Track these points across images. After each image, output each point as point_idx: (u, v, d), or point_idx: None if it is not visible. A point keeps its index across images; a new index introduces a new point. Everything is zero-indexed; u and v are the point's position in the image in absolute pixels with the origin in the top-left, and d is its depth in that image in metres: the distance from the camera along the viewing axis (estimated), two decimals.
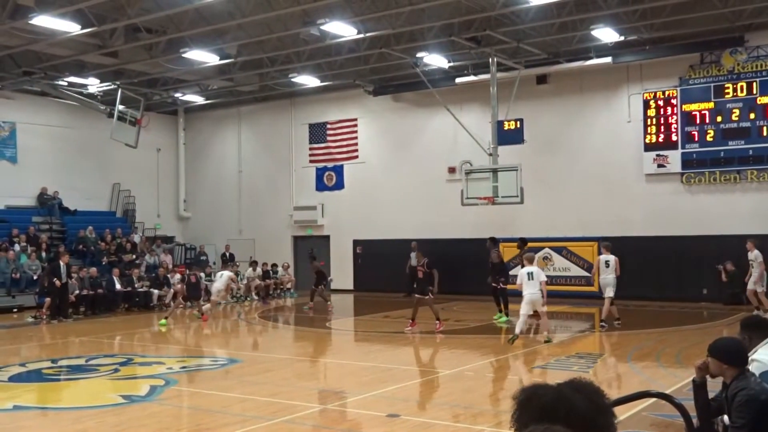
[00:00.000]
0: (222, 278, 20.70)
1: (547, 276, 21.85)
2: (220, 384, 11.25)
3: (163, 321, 19.17)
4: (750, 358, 5.09)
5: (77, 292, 21.10)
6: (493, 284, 18.43)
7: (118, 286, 22.35)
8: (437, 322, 16.61)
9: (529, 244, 20.85)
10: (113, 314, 21.55)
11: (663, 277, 21.62)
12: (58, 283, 19.88)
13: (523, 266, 15.26)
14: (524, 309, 14.61)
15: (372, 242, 26.60)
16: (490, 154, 21.32)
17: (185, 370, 12.78)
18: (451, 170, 24.96)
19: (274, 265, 27.05)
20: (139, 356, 14.64)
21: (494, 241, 19.90)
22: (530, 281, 14.58)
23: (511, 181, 20.05)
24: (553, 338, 15.06)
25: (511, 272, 18.38)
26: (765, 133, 20.51)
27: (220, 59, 22.10)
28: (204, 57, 21.69)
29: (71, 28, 18.56)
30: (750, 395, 4.60)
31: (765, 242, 18.19)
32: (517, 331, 14.47)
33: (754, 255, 17.85)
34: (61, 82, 24.60)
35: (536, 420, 2.10)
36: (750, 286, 17.86)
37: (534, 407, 2.12)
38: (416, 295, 16.96)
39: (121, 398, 10.28)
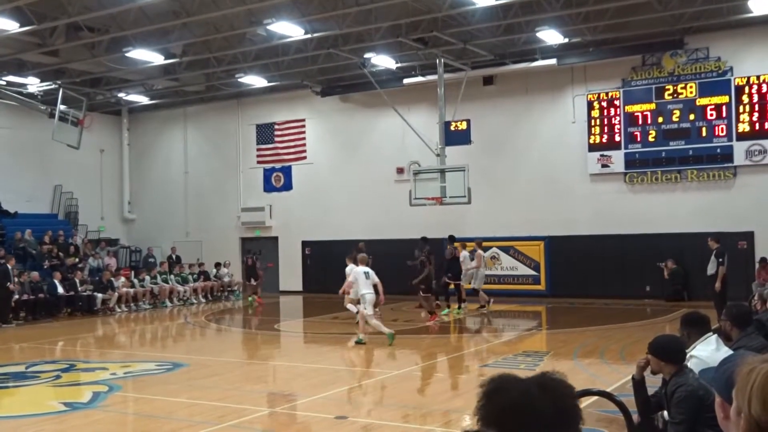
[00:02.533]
0: None
1: (495, 275, 22.26)
2: (165, 389, 11.06)
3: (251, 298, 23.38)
4: (688, 355, 5.21)
5: (17, 296, 20.54)
6: (446, 280, 19.17)
7: (60, 290, 21.83)
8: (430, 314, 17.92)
9: (484, 244, 21.28)
10: (55, 319, 21.04)
11: (607, 274, 22.03)
12: (12, 287, 19.59)
13: (358, 265, 15.16)
14: (369, 310, 14.60)
15: (321, 243, 26.51)
16: (438, 155, 21.43)
17: (130, 375, 12.53)
18: (400, 171, 25.03)
19: (218, 264, 26.89)
20: (82, 362, 14.30)
21: (451, 239, 20.36)
22: (367, 281, 14.64)
23: (459, 181, 20.18)
24: (365, 340, 14.87)
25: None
26: (704, 134, 21.07)
27: (165, 59, 21.78)
28: (148, 56, 21.33)
29: (9, 26, 18.08)
30: (688, 391, 4.71)
31: (704, 240, 18.59)
32: (387, 331, 14.54)
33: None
34: None
35: (497, 417, 2.05)
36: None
37: (496, 403, 2.05)
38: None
39: (62, 405, 10.03)
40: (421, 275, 18.68)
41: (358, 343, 14.66)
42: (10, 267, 20.22)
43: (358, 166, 26.23)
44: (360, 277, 14.70)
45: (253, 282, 24.39)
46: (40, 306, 21.22)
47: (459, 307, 19.62)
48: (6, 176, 26.46)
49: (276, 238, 28.06)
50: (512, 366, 12.16)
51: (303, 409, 9.95)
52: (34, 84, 24.31)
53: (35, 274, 21.82)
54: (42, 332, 18.52)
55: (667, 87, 21.60)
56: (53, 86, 23.96)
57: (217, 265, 26.94)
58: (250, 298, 24.00)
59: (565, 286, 22.67)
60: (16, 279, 20.79)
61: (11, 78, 23.57)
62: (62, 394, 11.07)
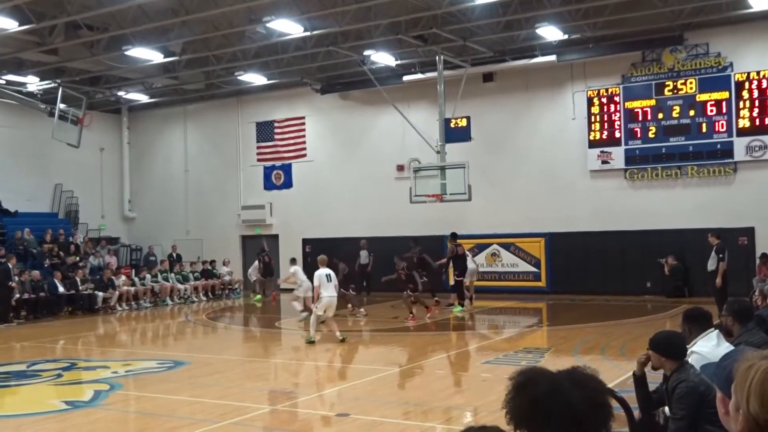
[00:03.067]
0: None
1: (496, 272, 22.23)
2: (166, 387, 11.07)
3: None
4: (689, 350, 5.21)
5: (17, 295, 20.55)
6: (456, 279, 19.57)
7: (61, 289, 21.83)
8: (410, 315, 17.74)
9: (479, 241, 21.27)
10: (56, 318, 21.04)
11: (607, 271, 22.02)
12: (13, 285, 19.78)
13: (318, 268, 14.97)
14: (321, 311, 14.60)
15: (321, 241, 26.50)
16: (438, 152, 21.43)
17: (131, 373, 12.54)
18: (400, 168, 25.02)
19: (213, 261, 26.90)
20: (83, 360, 14.32)
21: (453, 237, 20.41)
22: (329, 283, 14.60)
23: (459, 178, 20.17)
24: (316, 339, 15.03)
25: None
26: (704, 130, 21.04)
27: (164, 57, 21.75)
28: (147, 55, 21.30)
29: (8, 25, 18.06)
30: (689, 387, 4.71)
31: (704, 236, 18.56)
32: (312, 331, 14.71)
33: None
34: None
35: (527, 412, 2.00)
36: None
37: (527, 395, 2.02)
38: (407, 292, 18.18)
39: (63, 404, 10.05)
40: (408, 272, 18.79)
41: (309, 342, 14.77)
42: (11, 266, 20.32)
43: (358, 164, 26.21)
44: (323, 280, 14.56)
45: (265, 279, 24.46)
46: (41, 305, 21.22)
47: (461, 305, 19.56)
48: (6, 175, 26.46)
49: (276, 236, 28.04)
50: (513, 363, 12.16)
51: (304, 406, 9.96)
52: (33, 83, 24.30)
53: (36, 273, 21.81)
54: (43, 331, 18.54)
55: (667, 83, 21.58)
56: (53, 85, 23.94)
57: (212, 261, 26.96)
58: (258, 296, 23.87)
59: (565, 283, 22.66)
60: (16, 278, 20.81)
61: (11, 77, 23.55)
62: (63, 392, 11.08)
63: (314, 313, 14.74)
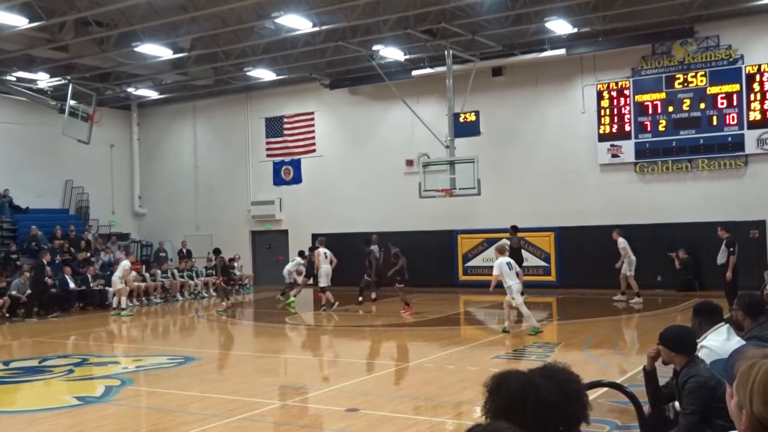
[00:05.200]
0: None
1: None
2: (177, 382, 11.11)
3: (291, 299, 21.77)
4: (699, 345, 5.18)
5: (29, 291, 20.66)
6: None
7: (71, 285, 21.94)
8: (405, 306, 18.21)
9: (488, 236, 21.23)
10: (67, 314, 21.15)
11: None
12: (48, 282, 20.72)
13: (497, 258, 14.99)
14: (519, 299, 14.55)
15: (331, 236, 26.45)
16: (447, 147, 21.40)
17: (142, 369, 12.60)
18: (409, 163, 25.00)
19: (231, 260, 26.86)
20: (94, 356, 14.40)
21: (515, 230, 20.56)
22: (510, 271, 14.54)
23: (469, 172, 20.15)
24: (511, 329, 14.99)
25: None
26: (715, 123, 20.93)
27: (174, 53, 21.79)
28: (157, 51, 21.33)
29: (19, 22, 18.13)
30: (699, 382, 4.69)
31: (715, 229, 18.46)
32: (533, 322, 14.52)
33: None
34: (9, 78, 23.99)
35: (504, 408, 2.08)
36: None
37: (502, 395, 2.11)
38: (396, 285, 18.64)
39: (75, 400, 10.10)
40: (395, 267, 18.81)
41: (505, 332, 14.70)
42: (45, 262, 20.94)
43: (368, 159, 26.21)
44: (503, 268, 14.38)
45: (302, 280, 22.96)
46: (53, 301, 21.33)
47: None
48: (17, 172, 26.59)
49: (286, 231, 28.09)
50: (523, 357, 12.15)
51: (314, 401, 9.98)
52: (43, 80, 24.39)
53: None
54: (54, 327, 18.64)
55: (677, 76, 21.46)
56: (63, 82, 24.02)
57: (230, 260, 26.84)
58: (292, 299, 22.11)
59: (575, 277, 22.60)
60: (27, 273, 20.93)
61: (21, 74, 23.65)
62: (75, 388, 11.14)
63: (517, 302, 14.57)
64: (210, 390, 10.44)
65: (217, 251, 22.76)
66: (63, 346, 15.83)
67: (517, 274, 14.68)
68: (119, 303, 20.71)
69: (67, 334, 17.41)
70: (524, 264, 23.30)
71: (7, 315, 19.98)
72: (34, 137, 26.98)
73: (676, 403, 5.14)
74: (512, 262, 14.88)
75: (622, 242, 19.12)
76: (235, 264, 26.96)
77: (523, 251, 23.46)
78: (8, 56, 21.86)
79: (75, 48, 21.77)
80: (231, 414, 8.90)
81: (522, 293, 15.00)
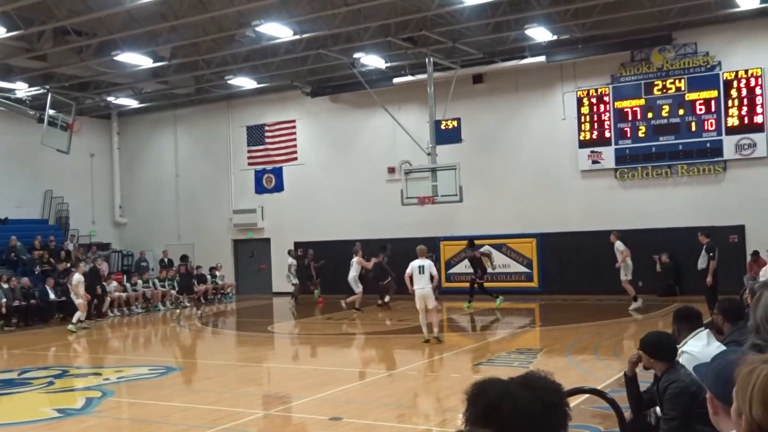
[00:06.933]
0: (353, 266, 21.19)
1: (488, 273, 22.23)
2: (159, 393, 11.03)
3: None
4: (680, 350, 5.21)
5: (4, 299, 20.38)
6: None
7: (52, 296, 21.73)
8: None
9: (477, 242, 21.44)
10: (47, 325, 20.94)
11: (600, 270, 21.95)
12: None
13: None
14: (418, 304, 14.37)
15: (313, 244, 26.45)
16: (429, 154, 21.44)
17: (123, 380, 12.48)
18: (391, 170, 25.02)
19: (212, 268, 26.77)
20: (74, 368, 14.27)
21: (471, 243, 21.27)
22: (421, 275, 14.30)
23: (450, 180, 20.20)
24: (442, 337, 14.79)
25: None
26: (694, 129, 21.13)
27: (154, 62, 21.67)
28: (137, 60, 21.21)
29: None
30: (680, 388, 4.71)
31: (695, 234, 18.60)
32: (425, 331, 14.49)
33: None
34: None
35: (481, 417, 2.08)
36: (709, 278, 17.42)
37: (479, 404, 2.11)
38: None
39: (55, 412, 10.00)
40: (387, 280, 19.25)
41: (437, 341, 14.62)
42: (98, 267, 22.24)
43: (350, 167, 26.20)
44: (414, 271, 14.30)
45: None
46: (32, 312, 21.11)
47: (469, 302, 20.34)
48: None
49: (268, 240, 28.01)
50: (506, 364, 12.17)
51: (298, 410, 9.94)
52: (22, 89, 24.18)
53: (26, 280, 21.72)
54: (34, 338, 18.44)
55: (656, 82, 21.66)
56: (42, 91, 23.82)
57: (212, 269, 26.82)
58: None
59: (558, 283, 22.70)
60: (5, 285, 20.69)
61: None
62: (55, 400, 11.02)
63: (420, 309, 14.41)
64: (192, 400, 10.37)
65: (183, 258, 22.63)
66: (43, 358, 15.67)
67: (432, 278, 14.28)
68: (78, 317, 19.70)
69: (47, 346, 17.23)
70: (507, 270, 23.52)
71: None
72: (13, 147, 26.73)
73: (657, 409, 5.16)
74: (427, 266, 14.33)
75: (620, 245, 18.69)
76: (217, 273, 26.88)
77: (505, 257, 23.61)
78: None
79: (54, 57, 21.61)
80: (214, 424, 8.83)
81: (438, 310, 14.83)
